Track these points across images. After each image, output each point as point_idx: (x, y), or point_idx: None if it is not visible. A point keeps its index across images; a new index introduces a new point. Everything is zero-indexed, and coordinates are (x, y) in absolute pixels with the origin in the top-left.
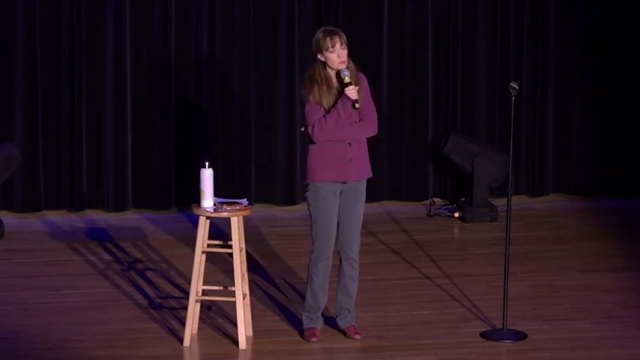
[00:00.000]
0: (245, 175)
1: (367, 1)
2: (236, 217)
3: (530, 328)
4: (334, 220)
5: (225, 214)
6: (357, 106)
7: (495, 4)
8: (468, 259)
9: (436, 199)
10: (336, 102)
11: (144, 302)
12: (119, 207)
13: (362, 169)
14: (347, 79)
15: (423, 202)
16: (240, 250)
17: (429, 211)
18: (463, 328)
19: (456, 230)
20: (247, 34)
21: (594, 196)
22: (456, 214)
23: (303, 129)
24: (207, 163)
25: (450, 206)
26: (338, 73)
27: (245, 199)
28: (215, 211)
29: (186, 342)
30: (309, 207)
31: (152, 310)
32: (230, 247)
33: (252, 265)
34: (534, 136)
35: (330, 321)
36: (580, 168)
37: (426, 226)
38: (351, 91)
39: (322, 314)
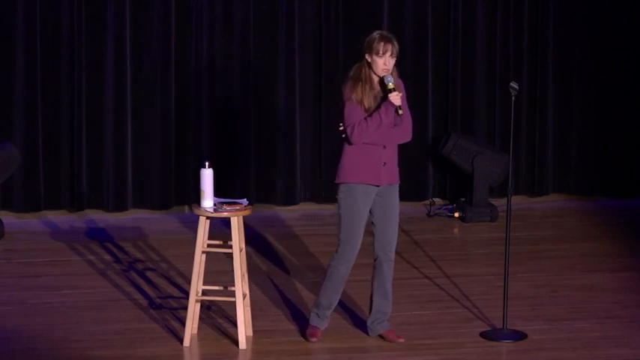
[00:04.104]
0: (245, 175)
1: (367, 1)
2: (236, 217)
3: (530, 328)
4: (363, 223)
5: (225, 214)
6: (400, 112)
7: (495, 4)
8: (468, 259)
9: (436, 199)
10: (378, 105)
11: (144, 302)
12: (119, 207)
13: (394, 173)
14: (391, 85)
15: (423, 202)
16: (240, 250)
17: (429, 211)
18: (463, 328)
19: (456, 230)
20: (247, 34)
21: (594, 196)
22: (456, 214)
23: (341, 127)
24: (207, 163)
25: (450, 206)
26: (381, 79)
27: (245, 199)
28: (215, 211)
29: (186, 342)
30: (339, 208)
31: (152, 310)
32: (230, 247)
33: (252, 265)
34: (534, 136)
35: (334, 321)
36: (580, 168)
37: (426, 226)
38: (395, 97)
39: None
